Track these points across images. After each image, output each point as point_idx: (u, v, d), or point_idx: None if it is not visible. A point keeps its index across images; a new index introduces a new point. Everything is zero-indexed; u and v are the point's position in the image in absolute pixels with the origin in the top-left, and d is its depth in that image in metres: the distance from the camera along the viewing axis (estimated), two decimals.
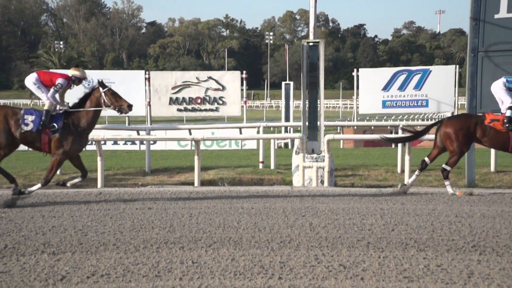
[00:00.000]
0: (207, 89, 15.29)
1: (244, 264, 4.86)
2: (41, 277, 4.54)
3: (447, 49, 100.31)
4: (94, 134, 12.64)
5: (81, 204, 7.93)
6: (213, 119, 28.77)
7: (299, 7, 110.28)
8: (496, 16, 10.03)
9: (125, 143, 20.25)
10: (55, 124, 7.86)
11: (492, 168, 10.99)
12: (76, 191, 9.18)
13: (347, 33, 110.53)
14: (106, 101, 7.99)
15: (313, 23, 10.89)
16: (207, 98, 15.23)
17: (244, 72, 16.36)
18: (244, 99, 15.27)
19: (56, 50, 66.16)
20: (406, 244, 5.54)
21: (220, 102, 16.85)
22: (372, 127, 21.81)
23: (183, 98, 14.82)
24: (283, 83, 24.33)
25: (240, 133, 16.09)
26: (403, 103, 20.70)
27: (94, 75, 16.93)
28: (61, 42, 75.89)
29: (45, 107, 8.02)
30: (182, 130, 13.76)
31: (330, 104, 56.17)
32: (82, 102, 8.07)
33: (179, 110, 14.83)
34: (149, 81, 14.82)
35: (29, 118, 7.84)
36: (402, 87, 20.48)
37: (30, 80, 8.26)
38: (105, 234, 6.00)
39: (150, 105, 14.64)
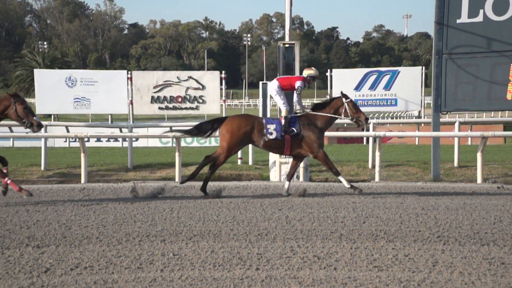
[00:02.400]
0: (188, 88, 15.36)
1: (223, 256, 4.96)
2: (25, 269, 4.58)
3: (414, 51, 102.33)
4: (78, 131, 12.69)
5: (65, 199, 7.99)
6: (194, 117, 28.76)
7: (275, 10, 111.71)
8: (458, 21, 10.35)
9: (108, 140, 20.25)
10: (293, 129, 8.18)
11: (456, 163, 11.32)
12: (60, 187, 9.21)
13: (321, 36, 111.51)
14: (347, 110, 8.36)
15: (288, 25, 10.99)
16: (188, 97, 15.30)
17: (223, 72, 16.50)
18: (223, 98, 15.37)
19: (40, 50, 65.17)
20: (376, 235, 5.71)
21: (200, 100, 16.91)
22: (345, 125, 22.15)
23: (164, 97, 14.91)
24: (260, 82, 24.41)
25: None
26: (374, 102, 21.05)
27: (77, 75, 16.95)
28: (45, 43, 74.90)
29: (283, 114, 8.31)
30: (163, 128, 13.86)
31: (305, 103, 56.50)
32: (321, 106, 8.48)
33: (160, 108, 14.92)
34: (131, 80, 14.88)
35: (272, 127, 8.15)
36: (372, 87, 20.84)
37: (273, 87, 8.56)
38: (88, 228, 6.06)
39: (132, 104, 14.69)
